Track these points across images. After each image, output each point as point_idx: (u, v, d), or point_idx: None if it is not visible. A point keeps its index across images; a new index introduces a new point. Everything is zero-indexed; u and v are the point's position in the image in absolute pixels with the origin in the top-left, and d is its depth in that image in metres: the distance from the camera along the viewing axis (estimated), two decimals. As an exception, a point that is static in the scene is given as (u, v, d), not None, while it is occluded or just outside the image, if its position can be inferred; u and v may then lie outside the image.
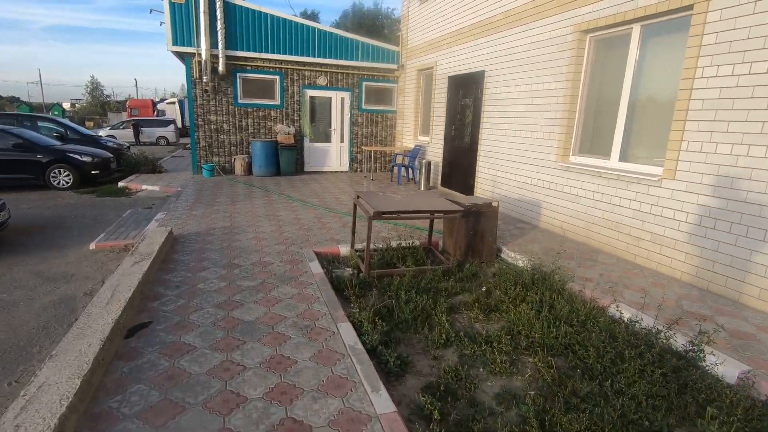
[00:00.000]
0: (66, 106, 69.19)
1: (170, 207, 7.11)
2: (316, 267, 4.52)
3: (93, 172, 10.29)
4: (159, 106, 33.84)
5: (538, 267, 4.48)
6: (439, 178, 9.67)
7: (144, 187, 9.70)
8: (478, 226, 5.02)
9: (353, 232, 5.10)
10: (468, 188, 8.47)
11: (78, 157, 10.08)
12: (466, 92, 8.49)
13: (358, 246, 5.20)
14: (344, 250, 5.19)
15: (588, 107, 5.75)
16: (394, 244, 5.33)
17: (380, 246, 5.26)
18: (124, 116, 37.61)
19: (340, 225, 6.24)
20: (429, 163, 9.34)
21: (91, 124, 48.51)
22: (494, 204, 5.08)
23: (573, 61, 5.70)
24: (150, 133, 24.71)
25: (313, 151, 11.64)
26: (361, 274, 4.48)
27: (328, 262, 4.91)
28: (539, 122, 6.38)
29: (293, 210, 7.10)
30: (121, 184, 9.90)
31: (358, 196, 4.86)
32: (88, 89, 62.60)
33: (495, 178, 7.55)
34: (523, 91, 6.72)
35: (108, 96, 65.37)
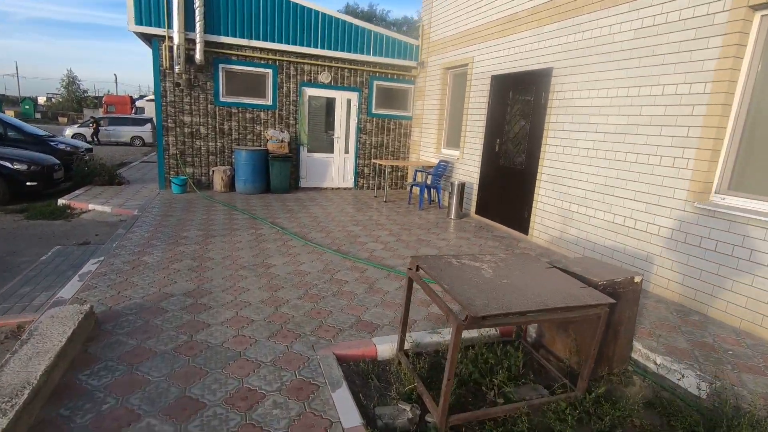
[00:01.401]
0: (41, 100, 65.42)
1: (114, 246, 4.93)
2: (345, 403, 2.44)
3: (29, 183, 8.01)
4: (138, 104, 31.30)
5: (722, 395, 2.51)
6: (473, 203, 7.68)
7: (91, 206, 7.45)
8: (612, 316, 3.01)
9: (404, 323, 3.01)
10: (519, 222, 6.48)
11: (8, 164, 7.79)
12: (519, 97, 6.53)
13: (408, 340, 3.13)
14: (384, 348, 3.11)
15: (751, 122, 3.82)
16: (446, 330, 3.28)
17: (428, 336, 3.21)
18: (100, 113, 34.97)
19: (364, 286, 4.17)
20: (462, 186, 7.35)
21: (65, 120, 45.38)
22: (636, 280, 3.07)
23: (727, 53, 3.78)
24: (123, 133, 22.22)
25: (312, 163, 9.54)
26: (428, 421, 2.42)
27: (362, 378, 2.83)
28: (653, 141, 4.44)
29: (291, 255, 4.99)
30: (61, 201, 7.62)
31: (417, 267, 2.80)
32: (64, 83, 59.13)
33: (566, 213, 5.59)
34: (621, 96, 4.78)
35: (85, 91, 61.81)
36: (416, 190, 9.49)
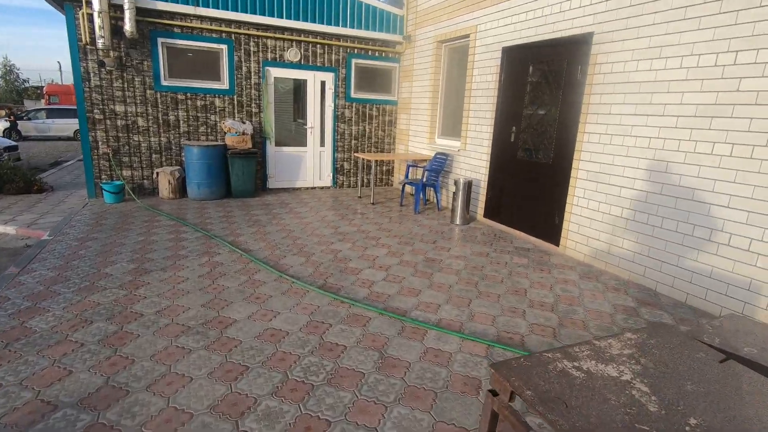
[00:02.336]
0: (-26, 93, 59.49)
1: (-8, 298, 3.33)
2: None
3: None
4: (84, 93, 28.16)
5: None
6: (480, 205, 6.38)
7: (-10, 226, 5.69)
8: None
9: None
10: (546, 230, 5.22)
11: None
12: (543, 73, 5.21)
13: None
14: None
15: None
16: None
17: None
18: (42, 104, 31.56)
19: (372, 355, 2.77)
20: (469, 184, 6.02)
21: (2, 113, 41.18)
22: None
23: None
24: (66, 126, 19.66)
25: (281, 159, 7.97)
26: None
27: None
28: (761, 126, 3.22)
29: (260, 299, 3.53)
30: (-52, 220, 5.81)
31: (511, 393, 1.42)
32: (1, 73, 53.78)
33: (616, 221, 4.35)
34: (705, 66, 3.53)
35: (25, 81, 56.48)
36: (409, 188, 8.11)
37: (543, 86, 5.17)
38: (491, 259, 4.73)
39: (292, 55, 7.54)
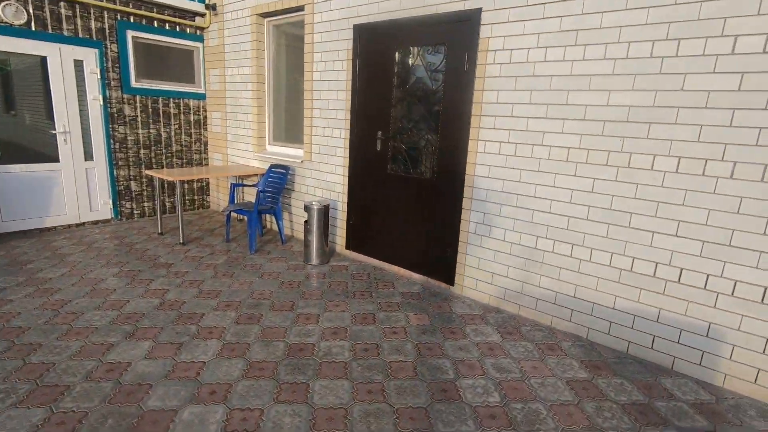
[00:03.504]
0: None
1: None
2: None
3: None
4: None
5: None
6: (340, 233, 4.86)
7: None
8: None
9: None
10: (436, 265, 4.04)
11: None
12: (415, 60, 3.95)
13: None
14: None
15: None
16: None
17: None
18: None
19: None
20: (325, 209, 4.43)
21: None
22: None
23: None
24: None
25: (14, 184, 4.87)
26: None
27: None
28: (714, 136, 2.56)
29: None
30: None
31: None
32: None
33: (530, 253, 3.41)
34: (640, 57, 2.76)
35: None
36: (236, 216, 6.00)
37: (418, 78, 3.93)
38: (382, 326, 3.27)
39: (10, 13, 4.55)
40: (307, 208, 4.40)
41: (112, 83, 5.37)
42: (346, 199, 4.71)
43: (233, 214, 6.07)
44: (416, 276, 4.22)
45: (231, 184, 5.24)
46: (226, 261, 4.46)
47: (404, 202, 4.18)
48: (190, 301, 3.49)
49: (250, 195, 5.94)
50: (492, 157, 3.52)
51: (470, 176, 3.67)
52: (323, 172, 4.89)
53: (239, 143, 5.95)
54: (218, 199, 6.51)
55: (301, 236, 5.33)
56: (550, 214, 3.26)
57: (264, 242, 5.16)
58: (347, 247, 4.81)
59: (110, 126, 5.43)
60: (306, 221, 4.44)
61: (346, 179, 4.66)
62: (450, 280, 3.94)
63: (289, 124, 5.50)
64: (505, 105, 3.39)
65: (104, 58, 5.25)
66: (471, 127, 3.60)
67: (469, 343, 3.07)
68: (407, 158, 4.10)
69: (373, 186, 4.43)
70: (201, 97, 6.29)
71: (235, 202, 5.71)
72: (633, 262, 2.93)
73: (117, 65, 5.37)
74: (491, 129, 3.49)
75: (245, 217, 6.00)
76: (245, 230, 5.60)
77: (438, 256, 4.00)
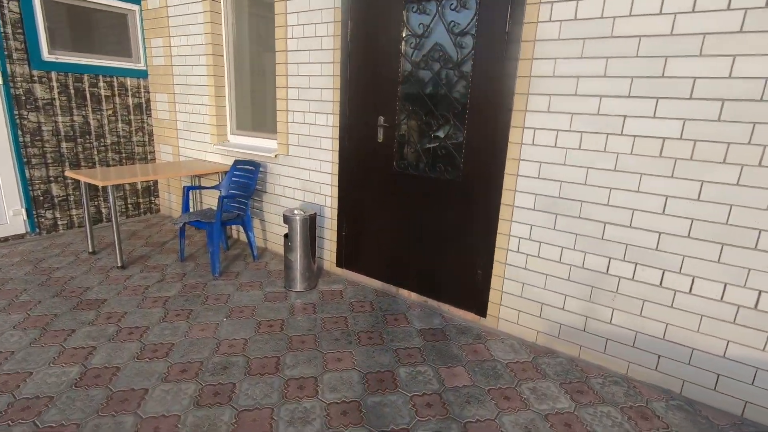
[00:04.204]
0: None
1: None
2: None
3: None
4: None
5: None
6: (329, 246, 3.85)
7: None
8: None
9: None
10: (462, 292, 3.12)
11: None
12: (432, 18, 2.93)
13: None
14: None
15: None
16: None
17: None
18: None
19: None
20: (311, 220, 3.40)
21: None
22: None
23: None
24: None
25: None
26: None
27: None
28: None
29: None
30: None
31: None
32: None
33: (596, 278, 2.55)
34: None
35: None
36: (191, 230, 4.82)
37: (436, 48, 2.92)
38: (408, 392, 2.33)
39: None
40: (287, 220, 3.36)
41: (15, 55, 4.04)
42: (336, 204, 3.69)
43: (186, 227, 4.91)
44: (433, 303, 3.30)
45: (185, 187, 4.08)
46: (180, 292, 3.36)
47: (417, 208, 3.22)
48: (126, 368, 2.41)
49: (211, 198, 4.79)
50: (544, 151, 2.60)
51: (511, 176, 2.75)
52: (305, 170, 3.84)
53: (194, 133, 4.76)
54: (170, 201, 5.30)
55: (278, 248, 4.27)
56: (631, 229, 2.40)
57: (230, 258, 4.08)
58: (339, 265, 3.82)
59: (15, 113, 4.11)
60: (286, 235, 3.40)
61: (336, 178, 3.63)
62: (482, 310, 3.04)
63: (258, 108, 4.37)
64: (565, 79, 2.46)
65: None
66: (513, 110, 2.66)
67: (535, 415, 2.19)
68: (422, 152, 3.12)
69: (373, 188, 3.43)
70: (141, 74, 5.01)
71: (190, 210, 4.57)
72: (759, 297, 2.12)
73: (20, 30, 4.03)
74: (543, 113, 2.56)
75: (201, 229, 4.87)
76: (205, 243, 4.47)
77: (465, 279, 3.08)
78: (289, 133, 3.87)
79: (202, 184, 4.74)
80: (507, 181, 2.77)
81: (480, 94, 2.77)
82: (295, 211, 3.38)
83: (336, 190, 3.66)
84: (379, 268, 3.56)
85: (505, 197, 2.80)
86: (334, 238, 3.78)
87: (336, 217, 3.72)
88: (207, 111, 4.52)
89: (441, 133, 3.00)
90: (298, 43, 3.60)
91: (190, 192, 4.26)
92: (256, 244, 4.08)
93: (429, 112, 3.01)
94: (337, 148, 3.56)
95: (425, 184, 3.13)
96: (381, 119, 3.23)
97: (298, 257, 3.39)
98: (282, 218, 4.03)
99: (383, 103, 3.20)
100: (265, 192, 4.23)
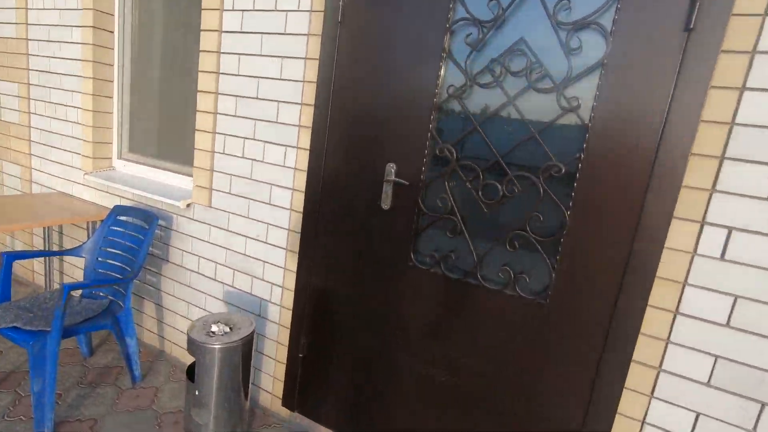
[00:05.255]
0: None
1: None
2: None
3: None
4: None
5: None
6: (274, 369, 2.23)
7: None
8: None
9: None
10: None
11: None
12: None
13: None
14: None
15: None
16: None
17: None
18: None
19: None
20: (242, 348, 1.80)
21: None
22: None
23: None
24: None
25: None
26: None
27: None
28: None
29: None
30: None
31: None
32: None
33: None
34: None
35: None
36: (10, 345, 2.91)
37: (518, 48, 1.52)
38: None
39: None
40: (194, 349, 1.72)
41: None
42: (290, 302, 2.12)
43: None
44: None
45: (2, 255, 2.21)
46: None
47: (449, 337, 1.74)
48: None
49: (74, 268, 2.95)
50: (741, 276, 1.28)
51: (662, 314, 1.39)
52: (238, 236, 2.23)
53: (56, 150, 2.94)
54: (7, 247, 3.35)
55: (175, 351, 2.57)
56: None
57: (89, 380, 2.30)
58: (287, 404, 2.21)
59: None
60: (190, 371, 1.77)
61: (295, 259, 2.07)
62: None
63: (172, 122, 2.69)
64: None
65: None
66: (683, 186, 1.32)
67: None
68: (470, 240, 1.67)
69: (364, 286, 1.91)
70: (-25, 47, 3.11)
71: (11, 298, 2.77)
72: None
73: None
74: (749, 198, 1.25)
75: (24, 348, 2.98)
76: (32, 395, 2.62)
77: (535, 481, 1.64)
78: (215, 170, 2.25)
79: (64, 239, 2.92)
80: (650, 322, 1.41)
81: (609, 147, 1.40)
82: (213, 328, 1.77)
83: (293, 278, 2.09)
84: (363, 424, 2.02)
85: (643, 352, 1.43)
86: (284, 357, 2.18)
87: (290, 324, 2.14)
88: (80, 117, 2.76)
89: (514, 211, 1.58)
90: (243, 19, 2.05)
91: (7, 262, 2.24)
92: (137, 359, 2.33)
93: (493, 168, 1.59)
94: (300, 206, 2.01)
95: (472, 298, 1.68)
96: (392, 169, 1.75)
97: (212, 421, 1.76)
98: (187, 345, 2.35)
99: (398, 141, 1.74)
100: (167, 261, 2.53)
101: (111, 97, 2.78)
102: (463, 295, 1.69)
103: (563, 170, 1.47)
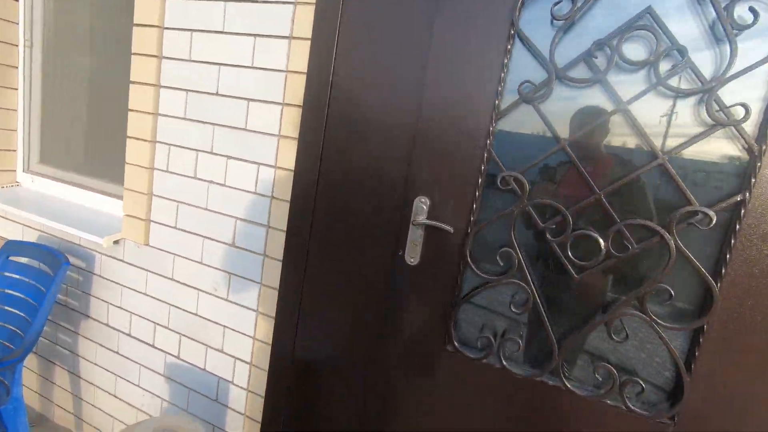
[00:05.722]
0: None
1: None
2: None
3: None
4: None
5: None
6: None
7: None
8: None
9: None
10: None
11: None
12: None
13: None
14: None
15: None
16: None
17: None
18: None
19: None
20: None
21: None
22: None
23: None
24: None
25: None
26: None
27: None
28: None
29: None
30: None
31: None
32: None
33: None
34: None
35: None
36: None
37: (639, 25, 0.97)
38: None
39: None
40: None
41: None
42: (263, 388, 1.47)
43: None
44: None
45: None
46: None
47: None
48: None
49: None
50: None
51: None
52: (188, 288, 1.57)
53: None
54: None
55: (88, 419, 1.87)
56: None
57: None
58: None
59: None
60: None
61: (270, 325, 1.43)
62: None
63: (95, 127, 1.99)
64: None
65: None
66: None
67: None
68: (550, 322, 1.09)
69: (377, 378, 1.30)
70: None
71: None
72: None
73: None
74: None
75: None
76: None
77: None
78: (155, 194, 1.59)
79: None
80: None
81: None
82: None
83: (267, 353, 1.45)
84: None
85: None
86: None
87: (261, 418, 1.50)
88: (-32, 114, 2.01)
89: (624, 278, 1.02)
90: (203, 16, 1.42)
91: None
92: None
93: (590, 211, 1.03)
94: (279, 251, 1.39)
95: (550, 406, 1.11)
96: (423, 206, 1.15)
97: None
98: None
99: (435, 165, 1.15)
100: (86, 316, 1.83)
101: (16, 89, 2.05)
102: (535, 401, 1.11)
103: (712, 220, 0.93)
